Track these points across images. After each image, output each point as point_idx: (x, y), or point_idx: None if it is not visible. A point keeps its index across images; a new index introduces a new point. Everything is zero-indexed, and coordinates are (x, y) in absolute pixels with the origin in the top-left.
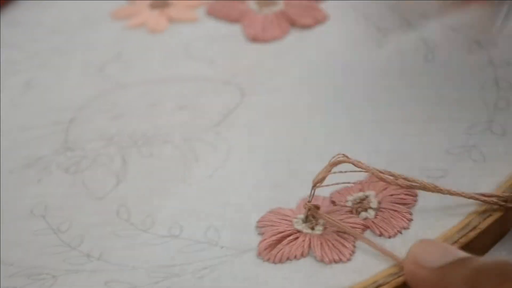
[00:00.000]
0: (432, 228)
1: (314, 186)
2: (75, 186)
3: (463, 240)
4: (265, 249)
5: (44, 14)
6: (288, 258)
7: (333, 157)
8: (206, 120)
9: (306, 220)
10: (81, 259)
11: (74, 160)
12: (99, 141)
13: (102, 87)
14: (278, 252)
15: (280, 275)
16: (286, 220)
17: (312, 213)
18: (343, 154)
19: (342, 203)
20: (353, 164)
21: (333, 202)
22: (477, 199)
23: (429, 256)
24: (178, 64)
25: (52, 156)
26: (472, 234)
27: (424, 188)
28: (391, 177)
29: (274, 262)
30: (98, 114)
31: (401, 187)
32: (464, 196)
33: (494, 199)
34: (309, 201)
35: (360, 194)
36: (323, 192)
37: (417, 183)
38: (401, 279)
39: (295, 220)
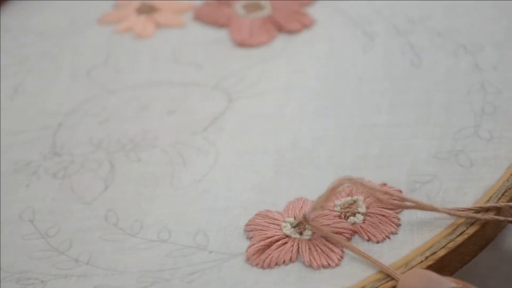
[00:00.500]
0: (420, 233)
1: (316, 208)
2: (63, 191)
3: (451, 245)
4: (254, 254)
5: (32, 19)
6: (276, 263)
7: (337, 180)
8: (194, 125)
9: (295, 225)
10: (70, 263)
11: (62, 165)
12: (87, 146)
13: (90, 92)
14: (266, 258)
15: (269, 280)
16: (274, 224)
17: (302, 222)
18: (348, 178)
19: (330, 208)
20: (357, 185)
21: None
22: (453, 214)
23: None
24: (166, 69)
25: (40, 161)
26: (460, 239)
27: (423, 208)
28: (396, 196)
29: (262, 267)
30: (86, 118)
31: (397, 207)
32: (440, 211)
33: (467, 213)
34: (305, 217)
35: (348, 198)
36: (311, 196)
37: (413, 202)
38: (388, 284)
39: (283, 224)
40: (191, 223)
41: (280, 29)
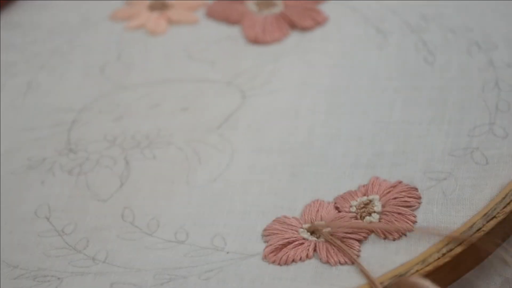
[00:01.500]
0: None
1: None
2: (78, 188)
3: (468, 242)
4: (271, 252)
5: (43, 16)
6: (293, 260)
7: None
8: (208, 122)
9: (312, 232)
10: (87, 261)
11: (77, 162)
12: (102, 143)
13: (103, 89)
14: (283, 255)
15: (286, 276)
16: (291, 230)
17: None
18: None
19: (346, 209)
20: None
21: (337, 208)
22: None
23: None
24: (178, 65)
25: (55, 157)
26: (477, 236)
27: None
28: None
29: (279, 264)
30: (99, 115)
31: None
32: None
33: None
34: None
35: (364, 198)
36: (327, 197)
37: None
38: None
39: (300, 230)
40: (208, 226)
41: (293, 26)
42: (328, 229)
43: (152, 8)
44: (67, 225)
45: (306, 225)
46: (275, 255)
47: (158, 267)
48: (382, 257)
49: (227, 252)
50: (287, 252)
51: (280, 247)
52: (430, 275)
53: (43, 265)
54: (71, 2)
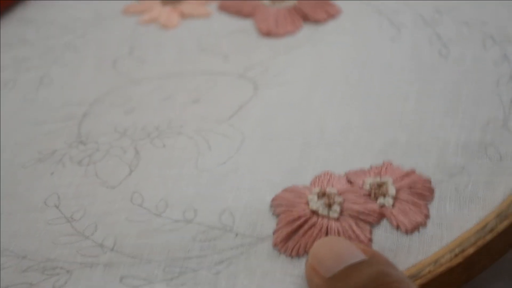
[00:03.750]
0: (449, 229)
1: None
2: (88, 176)
3: (481, 243)
4: (281, 240)
5: (56, 12)
6: (305, 251)
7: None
8: (220, 113)
9: (322, 195)
10: (95, 249)
11: (87, 153)
12: (112, 134)
13: (115, 82)
14: (295, 245)
15: (298, 273)
16: (300, 198)
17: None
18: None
19: (359, 184)
20: None
21: (350, 182)
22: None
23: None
24: (191, 59)
25: (65, 150)
26: (490, 237)
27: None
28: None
29: (291, 256)
30: (111, 108)
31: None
32: None
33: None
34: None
35: (377, 179)
36: (338, 170)
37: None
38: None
39: (310, 197)
40: (217, 202)
41: (306, 18)
42: (341, 198)
43: (165, 2)
44: (76, 211)
45: (316, 189)
46: (285, 243)
47: (167, 256)
48: (394, 257)
49: (236, 235)
50: (298, 242)
51: (290, 232)
52: (442, 276)
53: (52, 255)
54: None
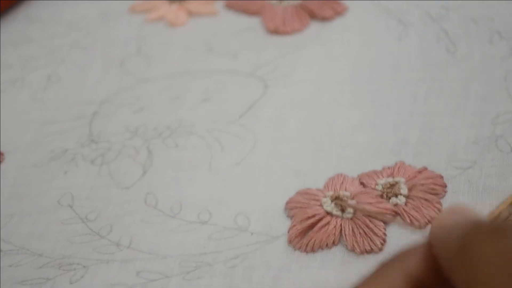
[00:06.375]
0: None
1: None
2: (101, 177)
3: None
4: (296, 237)
5: (62, 10)
6: (320, 247)
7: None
8: (230, 112)
9: (335, 198)
10: (111, 247)
11: (99, 152)
12: (124, 134)
13: (124, 81)
14: (309, 241)
15: (313, 265)
16: (314, 200)
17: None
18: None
19: (372, 186)
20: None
21: (362, 184)
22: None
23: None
24: (199, 57)
25: (77, 149)
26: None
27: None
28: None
29: (305, 252)
30: (121, 107)
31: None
32: None
33: None
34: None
35: (390, 179)
36: (350, 171)
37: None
38: None
39: (323, 199)
40: (232, 205)
41: (313, 16)
42: (354, 201)
43: (171, 0)
44: (90, 212)
45: (330, 193)
46: (300, 240)
47: (183, 253)
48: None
49: (252, 233)
50: (312, 238)
51: (305, 229)
52: None
53: (68, 252)
54: None
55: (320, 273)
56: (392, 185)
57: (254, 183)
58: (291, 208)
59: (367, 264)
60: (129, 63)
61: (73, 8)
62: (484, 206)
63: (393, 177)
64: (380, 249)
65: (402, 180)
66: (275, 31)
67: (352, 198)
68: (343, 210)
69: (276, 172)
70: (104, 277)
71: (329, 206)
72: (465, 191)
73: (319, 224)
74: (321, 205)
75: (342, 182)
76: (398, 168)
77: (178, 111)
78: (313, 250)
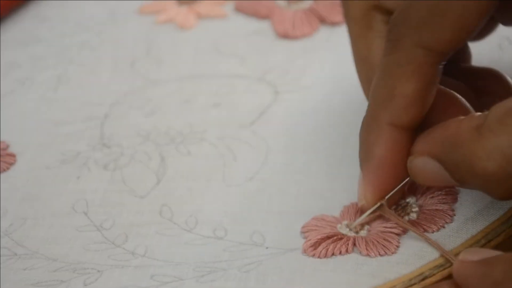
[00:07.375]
0: (475, 222)
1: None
2: (115, 183)
3: (507, 233)
4: (310, 246)
5: (71, 9)
6: (333, 254)
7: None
8: (241, 118)
9: (352, 227)
10: (126, 255)
11: (112, 157)
12: (136, 138)
13: (134, 83)
14: (323, 249)
15: (326, 268)
16: (330, 226)
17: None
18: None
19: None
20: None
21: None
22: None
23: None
24: (208, 60)
25: (89, 152)
26: None
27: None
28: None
29: (319, 257)
30: (131, 110)
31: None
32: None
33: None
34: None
35: (401, 201)
36: None
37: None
38: (446, 271)
39: (339, 225)
40: (247, 224)
41: (323, 21)
42: (368, 226)
43: (181, 2)
44: (105, 220)
45: (345, 222)
46: (314, 249)
47: (198, 260)
48: (422, 249)
49: (267, 247)
50: (326, 246)
51: (319, 241)
52: None
53: (83, 259)
54: None
55: (334, 275)
56: (403, 207)
57: (268, 201)
58: (306, 231)
59: (380, 266)
60: (138, 65)
61: (82, 8)
62: (496, 209)
63: (404, 198)
64: (394, 253)
65: (413, 199)
66: (284, 35)
67: (367, 224)
68: (357, 232)
69: (290, 189)
70: (118, 280)
71: (344, 230)
72: (476, 195)
73: (334, 237)
74: (336, 228)
75: (357, 211)
76: (408, 187)
77: (188, 116)
78: (326, 256)
